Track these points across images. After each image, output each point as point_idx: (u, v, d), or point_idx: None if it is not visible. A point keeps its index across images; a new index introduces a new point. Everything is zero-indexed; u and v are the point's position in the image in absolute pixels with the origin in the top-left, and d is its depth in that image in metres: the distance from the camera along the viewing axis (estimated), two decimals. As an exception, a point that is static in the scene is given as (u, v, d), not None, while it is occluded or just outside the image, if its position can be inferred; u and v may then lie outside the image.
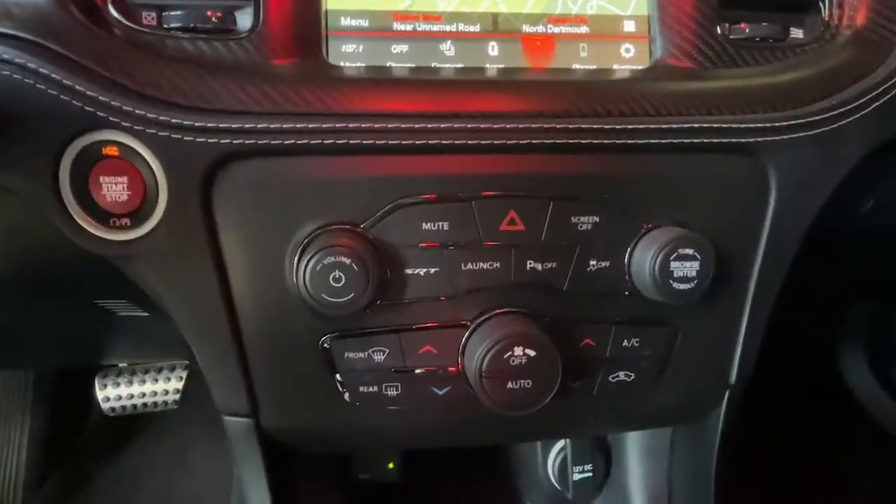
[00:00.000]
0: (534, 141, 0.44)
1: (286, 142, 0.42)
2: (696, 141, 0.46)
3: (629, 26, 0.51)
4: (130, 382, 1.11)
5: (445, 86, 0.46)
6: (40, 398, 1.07)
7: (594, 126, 0.44)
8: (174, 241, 0.43)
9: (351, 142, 0.43)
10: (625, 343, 0.49)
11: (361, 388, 0.47)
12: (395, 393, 0.47)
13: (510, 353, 0.43)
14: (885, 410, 1.08)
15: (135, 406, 1.12)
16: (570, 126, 0.44)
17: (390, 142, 0.43)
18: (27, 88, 0.39)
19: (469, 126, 0.43)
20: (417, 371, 0.47)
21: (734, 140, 0.46)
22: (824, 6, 0.52)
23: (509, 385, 0.44)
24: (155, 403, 1.12)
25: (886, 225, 0.62)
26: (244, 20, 0.45)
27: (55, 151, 0.41)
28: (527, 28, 0.49)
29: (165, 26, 0.44)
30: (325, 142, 0.42)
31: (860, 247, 0.73)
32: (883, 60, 0.49)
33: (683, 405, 0.54)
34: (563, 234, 0.46)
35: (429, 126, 0.43)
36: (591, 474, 0.67)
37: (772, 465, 0.99)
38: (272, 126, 0.42)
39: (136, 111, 0.40)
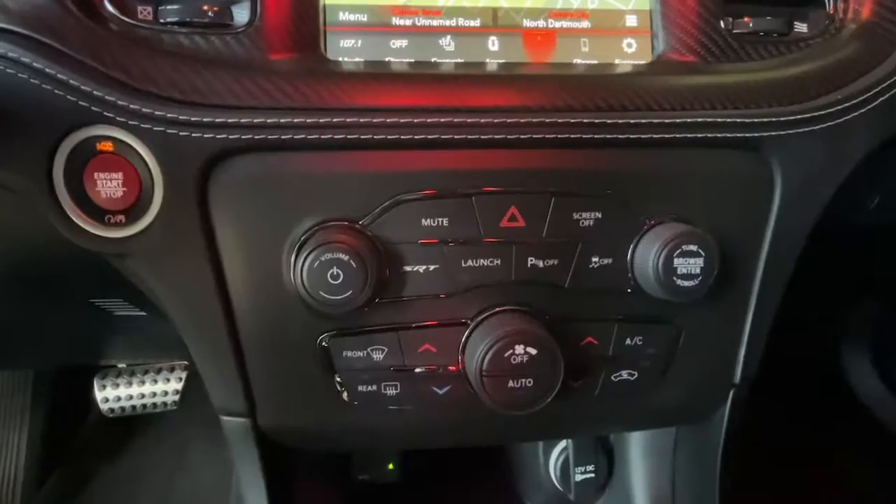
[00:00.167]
0: (535, 136, 0.44)
1: (283, 137, 0.42)
2: (699, 136, 0.45)
3: (631, 21, 0.50)
4: (130, 383, 1.11)
5: (445, 80, 0.45)
6: (39, 399, 1.07)
7: (596, 120, 0.44)
8: (170, 239, 0.43)
9: (349, 137, 0.42)
10: (628, 341, 0.48)
11: (360, 388, 0.47)
12: (395, 392, 0.47)
13: (511, 351, 0.43)
14: (888, 409, 1.08)
15: (134, 407, 1.11)
16: (572, 120, 0.44)
17: (389, 137, 0.43)
18: (21, 83, 0.39)
19: (469, 120, 0.43)
20: (417, 370, 0.47)
21: (738, 135, 0.46)
22: (829, 0, 0.51)
23: (510, 384, 0.43)
24: (154, 404, 1.12)
25: (892, 221, 0.61)
26: (241, 15, 0.44)
27: (49, 147, 0.40)
28: (527, 23, 0.49)
29: (161, 21, 0.43)
30: (322, 137, 0.42)
31: (865, 244, 0.73)
32: (889, 54, 0.48)
33: (687, 405, 0.54)
34: (565, 230, 0.45)
35: (428, 120, 0.43)
36: (593, 475, 0.66)
37: (774, 465, 0.98)
38: (269, 121, 0.41)
39: (132, 106, 0.40)
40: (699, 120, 0.45)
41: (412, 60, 0.47)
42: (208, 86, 0.41)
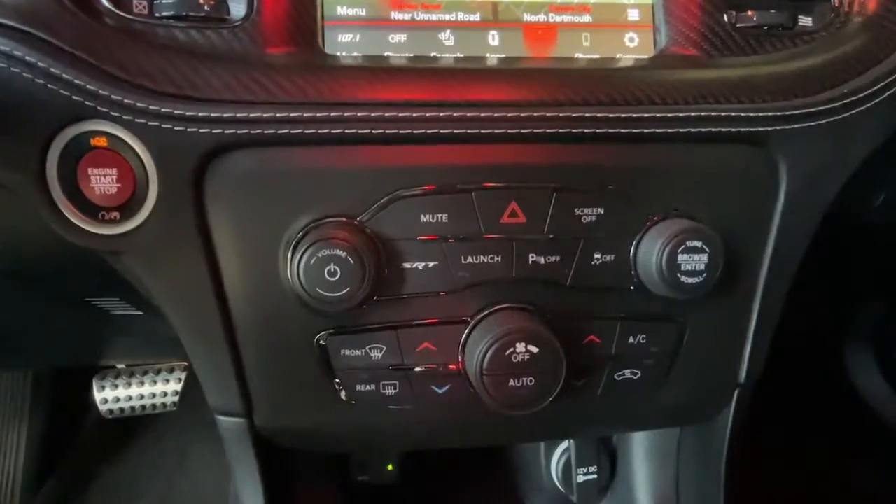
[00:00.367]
0: (536, 130, 0.43)
1: (280, 131, 0.41)
2: (703, 130, 0.45)
3: (633, 15, 0.49)
4: (129, 384, 1.11)
5: (445, 74, 0.45)
6: (38, 400, 1.07)
7: (598, 115, 0.43)
8: (165, 236, 0.42)
9: (347, 131, 0.42)
10: (631, 340, 0.48)
11: (358, 387, 0.46)
12: (394, 392, 0.46)
13: (512, 349, 0.42)
14: (892, 408, 1.07)
15: (133, 408, 1.11)
16: (574, 115, 0.43)
17: (388, 131, 0.42)
18: (14, 77, 0.38)
19: (469, 115, 0.42)
20: (416, 369, 0.46)
21: (742, 129, 0.45)
22: (834, -7, 0.51)
23: (511, 383, 0.43)
24: (153, 405, 1.12)
25: (899, 219, 0.61)
26: (237, 8, 0.44)
27: (42, 142, 0.40)
28: (528, 17, 0.48)
29: (157, 15, 0.43)
30: (320, 132, 0.41)
31: (870, 242, 0.72)
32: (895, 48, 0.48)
33: (691, 404, 0.53)
34: (567, 226, 0.45)
35: (427, 115, 0.42)
36: (595, 476, 0.66)
37: (776, 465, 0.98)
38: (265, 115, 0.41)
39: (126, 100, 0.39)
40: (703, 114, 0.44)
41: (411, 55, 0.46)
42: (204, 80, 0.40)
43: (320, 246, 0.40)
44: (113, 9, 0.42)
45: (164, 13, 0.43)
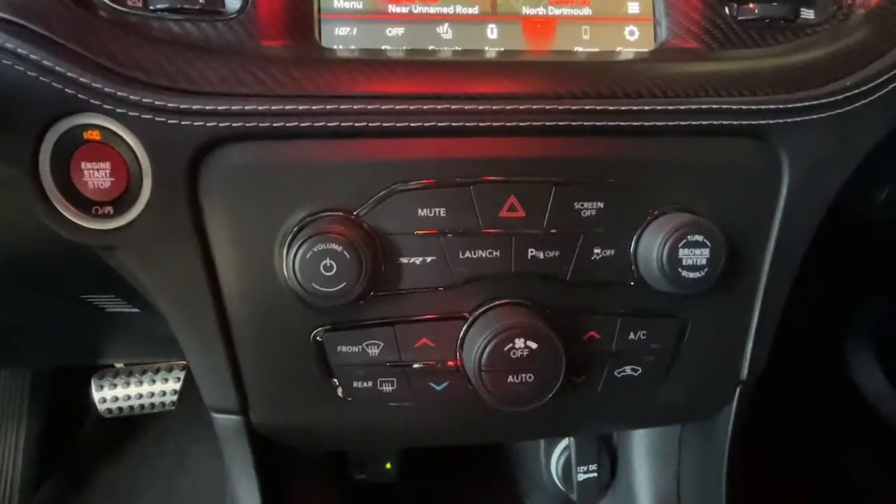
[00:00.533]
0: (535, 123, 0.43)
1: (275, 124, 0.41)
2: (704, 123, 0.44)
3: (633, 8, 0.49)
4: (127, 383, 1.10)
5: (443, 67, 0.44)
6: (37, 400, 1.07)
7: (598, 107, 0.43)
8: (159, 230, 0.42)
9: (343, 124, 0.41)
10: (631, 336, 0.47)
11: (355, 384, 0.45)
12: (391, 388, 0.46)
13: (511, 345, 0.42)
14: (892, 406, 1.07)
15: (132, 407, 1.11)
16: (573, 107, 0.43)
17: (385, 124, 0.42)
18: (5, 70, 0.38)
19: (467, 108, 0.42)
20: (414, 365, 0.45)
21: (744, 122, 0.45)
22: (837, -15, 0.50)
23: (510, 379, 0.42)
24: (152, 405, 1.11)
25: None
26: (233, 1, 0.43)
27: (35, 136, 0.39)
28: (527, 10, 0.48)
29: (151, 7, 0.42)
30: (316, 125, 0.41)
31: (872, 239, 0.71)
32: (899, 41, 0.47)
33: (693, 401, 0.53)
34: (566, 221, 0.44)
35: (425, 108, 0.42)
36: (596, 475, 0.65)
37: (777, 463, 0.97)
38: (261, 108, 0.40)
39: (119, 93, 0.39)
40: (704, 107, 0.44)
41: (409, 49, 0.46)
42: (198, 73, 0.40)
43: (316, 240, 0.40)
44: (107, 1, 0.42)
45: (159, 6, 0.42)
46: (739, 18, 0.48)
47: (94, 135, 0.40)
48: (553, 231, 0.44)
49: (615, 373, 0.48)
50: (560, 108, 0.42)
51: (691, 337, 0.48)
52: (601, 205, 0.44)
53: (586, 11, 0.48)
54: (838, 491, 0.99)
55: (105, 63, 0.39)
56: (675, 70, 0.45)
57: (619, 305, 0.47)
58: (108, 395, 1.10)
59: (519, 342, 0.42)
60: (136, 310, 0.63)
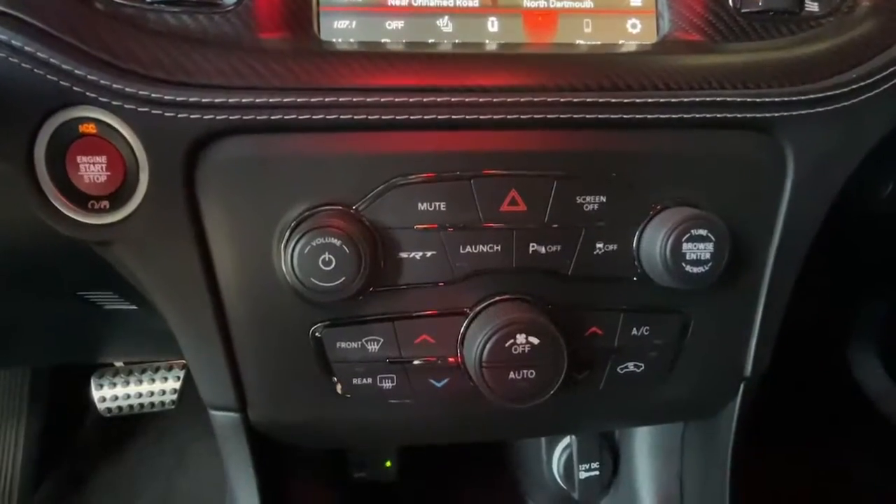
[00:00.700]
0: (536, 116, 0.42)
1: (273, 117, 0.40)
2: (707, 116, 0.44)
3: (635, 0, 0.48)
4: (127, 382, 1.10)
5: (443, 59, 0.44)
6: (36, 399, 1.06)
7: (600, 100, 0.42)
8: (155, 225, 0.41)
9: (342, 117, 0.41)
10: (634, 332, 0.47)
11: (355, 380, 0.45)
12: (391, 385, 0.45)
13: (512, 340, 0.41)
14: (894, 404, 1.06)
15: (131, 406, 1.10)
16: (575, 100, 0.42)
17: (384, 117, 0.41)
18: None
19: (468, 100, 0.41)
20: (414, 362, 0.45)
21: (748, 115, 0.44)
22: (842, -23, 0.49)
23: (511, 375, 0.42)
24: (152, 404, 1.11)
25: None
26: (230, -7, 0.43)
27: (30, 129, 0.39)
28: (528, 3, 0.47)
29: (148, 0, 0.42)
30: (314, 117, 0.41)
31: (876, 235, 0.71)
32: (905, 33, 0.47)
33: (696, 399, 0.52)
34: (568, 215, 0.44)
35: (425, 100, 0.41)
36: (597, 473, 0.65)
37: (779, 461, 0.97)
38: (258, 101, 0.40)
39: (115, 86, 0.38)
40: (707, 99, 0.43)
41: (408, 41, 0.45)
42: (195, 65, 0.39)
43: (314, 234, 0.39)
44: (103, -7, 0.41)
45: None
46: (743, 11, 0.48)
47: (90, 128, 0.39)
48: (555, 225, 0.44)
49: (618, 369, 0.48)
50: (562, 100, 0.42)
51: (694, 333, 0.48)
52: (603, 199, 0.44)
53: (588, 4, 0.48)
54: (840, 489, 0.99)
55: (101, 55, 0.38)
56: (678, 62, 0.45)
57: (622, 301, 0.46)
58: (108, 394, 1.09)
59: (520, 338, 0.41)
60: (134, 307, 0.63)
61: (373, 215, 0.42)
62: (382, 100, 0.41)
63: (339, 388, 0.46)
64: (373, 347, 0.44)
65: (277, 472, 0.54)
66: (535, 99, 0.42)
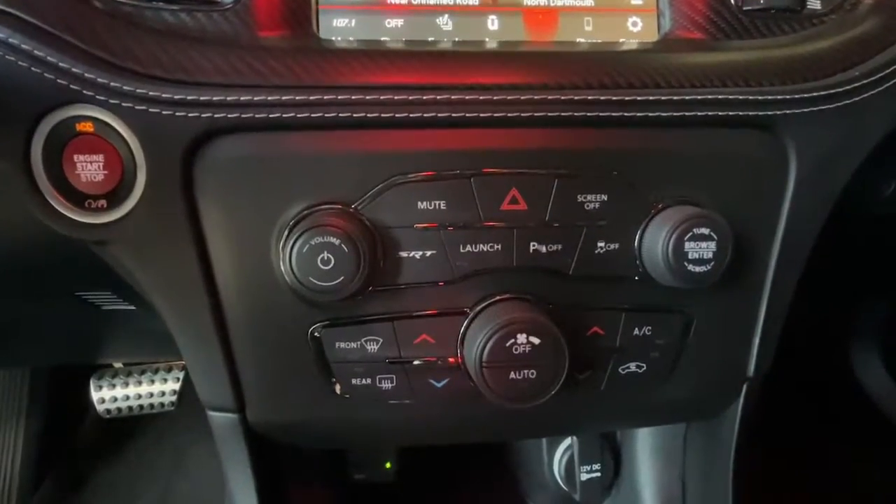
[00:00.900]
0: (537, 114, 0.42)
1: (272, 115, 0.40)
2: (709, 114, 0.44)
3: (636, -2, 0.48)
4: (126, 384, 1.10)
5: (443, 57, 0.43)
6: (35, 400, 1.06)
7: (601, 98, 0.42)
8: (153, 224, 0.41)
9: (341, 115, 0.40)
10: (636, 332, 0.46)
11: (354, 381, 0.45)
12: (390, 385, 0.45)
13: (513, 340, 0.41)
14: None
15: (131, 408, 1.10)
16: (576, 98, 0.42)
17: (384, 115, 0.41)
18: None
19: (468, 98, 0.41)
20: (414, 362, 0.45)
21: (750, 113, 0.44)
22: (844, -26, 0.49)
23: (512, 375, 0.42)
24: (151, 405, 1.11)
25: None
26: (229, -10, 0.43)
27: (26, 128, 0.39)
28: (528, 1, 0.47)
29: None
30: (313, 116, 0.40)
31: (878, 235, 0.70)
32: (908, 30, 0.46)
33: (698, 399, 0.52)
34: (569, 213, 0.44)
35: (425, 98, 0.41)
36: (599, 474, 0.65)
37: (780, 462, 0.97)
38: (256, 99, 0.39)
39: (112, 84, 0.38)
40: (709, 97, 0.43)
41: (408, 39, 0.45)
42: (193, 63, 0.39)
43: (313, 233, 0.39)
44: (101, -9, 0.41)
45: None
46: (745, 8, 0.47)
47: (87, 126, 0.39)
48: (555, 224, 0.44)
49: (619, 369, 0.47)
50: (562, 98, 0.42)
51: (697, 333, 0.48)
52: (605, 197, 0.43)
53: (589, 2, 0.48)
54: (842, 489, 0.99)
55: (98, 53, 0.38)
56: (679, 60, 0.44)
57: (624, 300, 0.46)
58: (107, 395, 1.09)
59: (521, 337, 0.41)
60: (132, 308, 0.63)
61: (372, 214, 0.42)
62: (382, 98, 0.40)
63: (338, 388, 0.45)
64: (372, 347, 0.44)
65: (276, 473, 0.54)
66: (536, 97, 0.41)
